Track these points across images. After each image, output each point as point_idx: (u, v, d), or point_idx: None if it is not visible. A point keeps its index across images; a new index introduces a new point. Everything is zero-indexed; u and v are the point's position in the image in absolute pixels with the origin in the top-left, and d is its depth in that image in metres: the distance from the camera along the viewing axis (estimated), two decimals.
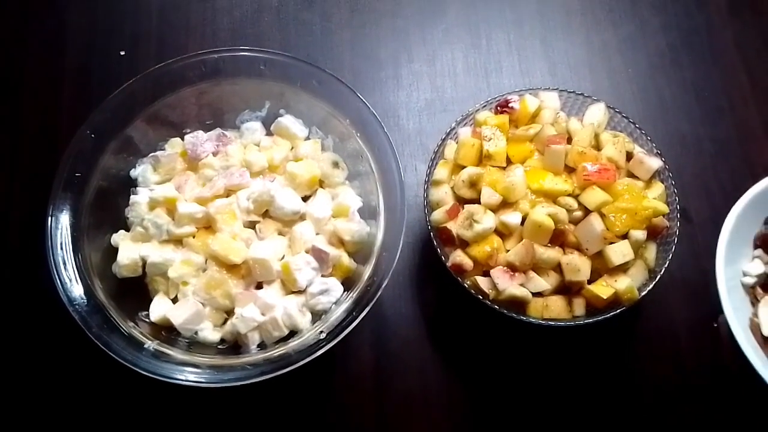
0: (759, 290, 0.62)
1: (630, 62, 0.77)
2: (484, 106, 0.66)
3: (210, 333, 0.59)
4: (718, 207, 0.71)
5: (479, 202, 0.61)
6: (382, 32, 0.79)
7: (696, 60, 0.77)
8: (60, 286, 0.56)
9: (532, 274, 0.59)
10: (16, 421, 0.62)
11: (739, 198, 0.70)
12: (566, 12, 0.80)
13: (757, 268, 0.63)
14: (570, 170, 0.62)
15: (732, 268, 0.61)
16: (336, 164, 0.65)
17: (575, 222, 0.60)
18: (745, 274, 0.63)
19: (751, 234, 0.64)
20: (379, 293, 0.55)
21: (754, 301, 0.62)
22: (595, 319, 0.59)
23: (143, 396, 0.61)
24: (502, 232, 0.61)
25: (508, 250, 0.60)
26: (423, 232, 0.69)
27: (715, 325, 0.66)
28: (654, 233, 0.61)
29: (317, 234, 0.62)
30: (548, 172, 0.62)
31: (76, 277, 0.57)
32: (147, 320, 0.59)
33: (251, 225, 0.62)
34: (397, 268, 0.66)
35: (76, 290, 0.56)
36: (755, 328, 0.60)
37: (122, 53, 0.77)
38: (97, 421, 0.62)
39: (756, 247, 0.64)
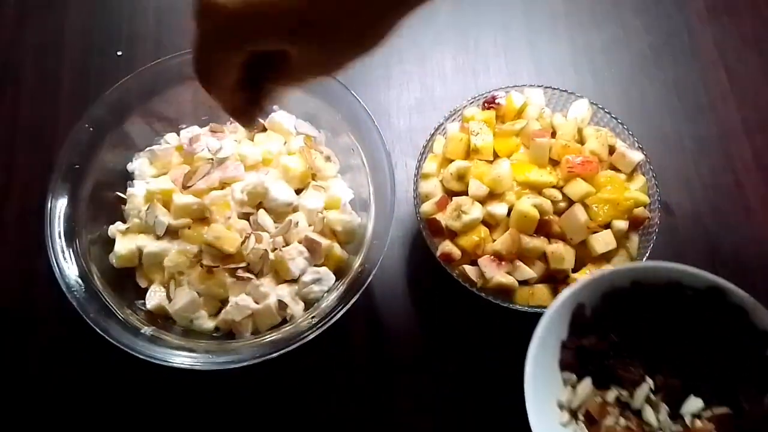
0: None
1: (613, 62, 0.80)
2: (472, 102, 0.68)
3: (205, 321, 0.61)
4: (699, 201, 0.73)
5: (467, 194, 0.63)
6: None
7: (677, 60, 0.80)
8: (58, 273, 0.57)
9: (518, 263, 0.61)
10: (13, 404, 0.63)
11: (721, 194, 0.73)
12: (551, 14, 0.83)
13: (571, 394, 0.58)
14: (554, 163, 0.64)
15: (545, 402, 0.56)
16: (328, 158, 0.67)
17: (560, 212, 0.62)
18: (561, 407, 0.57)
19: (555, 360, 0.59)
20: (369, 279, 0.57)
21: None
22: None
23: (139, 379, 0.62)
24: (489, 223, 0.63)
25: (494, 240, 0.62)
26: (414, 226, 0.71)
27: None
28: (636, 224, 0.63)
29: (309, 225, 0.64)
30: (533, 164, 0.64)
31: (73, 265, 0.58)
32: (143, 308, 0.61)
33: (245, 216, 0.63)
34: (389, 261, 0.69)
35: (74, 277, 0.57)
36: None
37: (119, 53, 0.79)
38: (94, 403, 0.63)
39: (563, 369, 0.59)
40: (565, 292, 0.56)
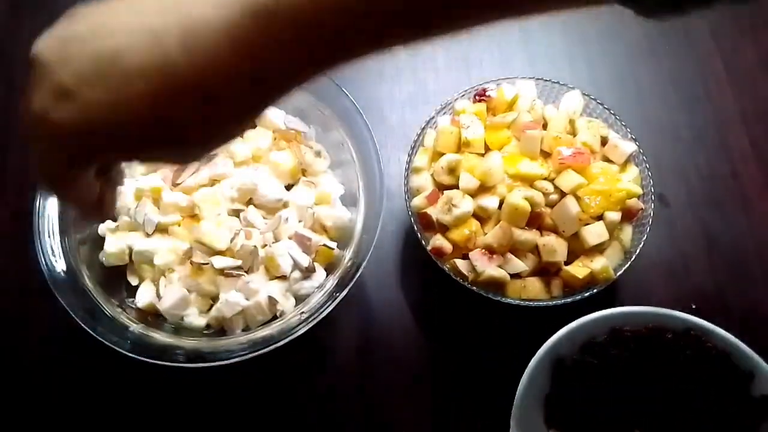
0: None
1: (608, 52, 0.79)
2: (463, 95, 0.68)
3: (196, 318, 0.61)
4: (695, 192, 0.72)
5: (458, 188, 0.63)
6: None
7: (672, 49, 0.79)
8: (47, 272, 0.57)
9: (510, 256, 0.61)
10: (4, 402, 0.63)
11: (718, 184, 0.72)
12: None
13: None
14: (546, 155, 0.64)
15: None
16: (318, 154, 0.67)
17: (551, 205, 0.62)
18: None
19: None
20: (359, 273, 0.57)
21: None
22: (573, 298, 0.60)
23: (130, 377, 0.62)
24: (481, 216, 0.62)
25: (486, 234, 0.61)
26: (406, 221, 0.70)
27: (693, 306, 0.67)
28: (629, 215, 0.63)
29: (300, 221, 0.64)
30: (524, 157, 0.63)
31: (63, 263, 0.58)
32: (134, 306, 0.61)
33: (235, 213, 0.63)
34: (381, 256, 0.68)
35: (63, 276, 0.57)
36: None
37: None
38: (86, 401, 0.63)
39: (549, 426, 0.58)
40: (544, 347, 0.57)
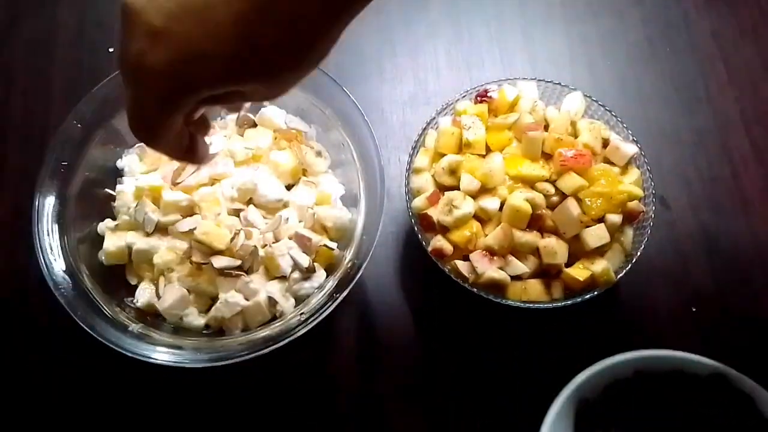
0: None
1: (609, 54, 0.79)
2: (464, 96, 0.67)
3: (195, 318, 0.60)
4: (696, 194, 0.72)
5: (459, 189, 0.62)
6: (366, 28, 0.80)
7: (674, 51, 0.79)
8: (46, 271, 0.57)
9: (510, 257, 0.61)
10: (2, 400, 0.63)
11: (718, 187, 0.72)
12: (546, 5, 0.82)
13: None
14: (547, 157, 0.64)
15: None
16: (319, 154, 0.67)
17: (552, 207, 0.62)
18: None
19: None
20: (359, 274, 0.57)
21: None
22: (573, 301, 0.60)
23: (130, 377, 0.62)
24: (481, 218, 0.62)
25: (487, 235, 0.61)
26: (406, 222, 0.70)
27: (694, 309, 0.67)
28: (630, 218, 0.62)
29: (300, 221, 0.64)
30: (526, 158, 0.63)
31: (62, 263, 0.58)
32: (133, 306, 0.60)
33: (235, 213, 0.63)
34: (382, 257, 0.68)
35: (62, 275, 0.57)
36: None
37: (111, 50, 0.78)
38: (85, 400, 0.63)
39: None
40: (568, 389, 0.56)
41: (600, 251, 0.61)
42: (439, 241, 0.61)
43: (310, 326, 0.55)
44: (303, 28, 0.34)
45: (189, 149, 0.43)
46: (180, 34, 0.33)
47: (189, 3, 0.33)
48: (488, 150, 0.65)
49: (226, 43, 0.33)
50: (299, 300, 0.61)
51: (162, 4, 0.33)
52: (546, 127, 0.65)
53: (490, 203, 0.61)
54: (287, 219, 0.62)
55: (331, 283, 0.59)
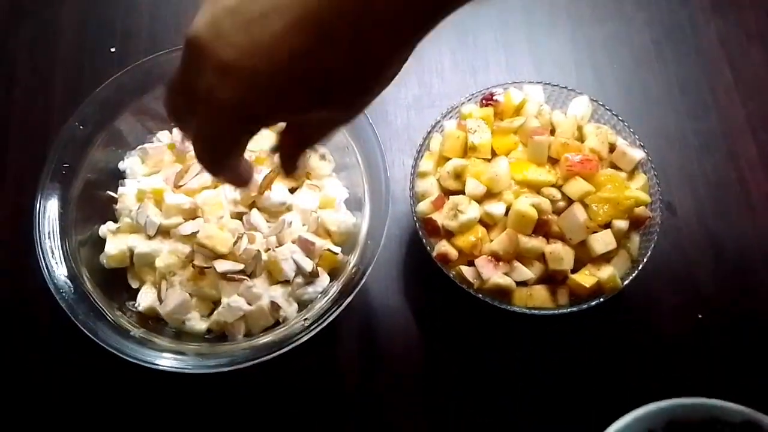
0: None
1: (615, 58, 0.78)
2: (470, 99, 0.67)
3: (197, 322, 0.60)
4: (702, 200, 0.72)
5: (464, 193, 0.62)
6: None
7: (680, 55, 0.78)
8: (47, 274, 0.56)
9: (516, 263, 0.60)
10: (2, 403, 0.63)
11: (725, 192, 0.71)
12: (551, 9, 0.81)
13: None
14: (553, 161, 0.63)
15: None
16: (323, 157, 0.66)
17: (558, 212, 0.61)
18: None
19: None
20: (363, 280, 0.56)
21: None
22: (579, 307, 0.59)
23: (131, 382, 0.61)
24: (487, 223, 0.62)
25: (492, 240, 0.61)
26: (410, 225, 0.69)
27: (700, 316, 0.66)
28: (637, 223, 0.62)
29: (304, 225, 0.63)
30: (532, 163, 0.62)
31: (63, 266, 0.57)
32: (134, 309, 0.60)
33: (238, 216, 0.62)
34: (386, 261, 0.68)
35: (63, 278, 0.56)
36: None
37: (113, 50, 0.78)
38: (85, 404, 0.62)
39: None
40: None
41: (606, 257, 0.61)
42: (443, 246, 0.61)
43: (314, 332, 0.54)
44: (369, 58, 0.33)
45: (248, 177, 0.43)
46: (250, 68, 0.33)
47: (258, 38, 0.32)
48: (494, 154, 0.64)
49: (295, 76, 0.33)
50: (302, 305, 0.61)
51: (231, 38, 0.33)
52: (552, 132, 0.64)
53: (496, 208, 0.61)
54: (291, 223, 0.62)
55: (335, 288, 0.58)
